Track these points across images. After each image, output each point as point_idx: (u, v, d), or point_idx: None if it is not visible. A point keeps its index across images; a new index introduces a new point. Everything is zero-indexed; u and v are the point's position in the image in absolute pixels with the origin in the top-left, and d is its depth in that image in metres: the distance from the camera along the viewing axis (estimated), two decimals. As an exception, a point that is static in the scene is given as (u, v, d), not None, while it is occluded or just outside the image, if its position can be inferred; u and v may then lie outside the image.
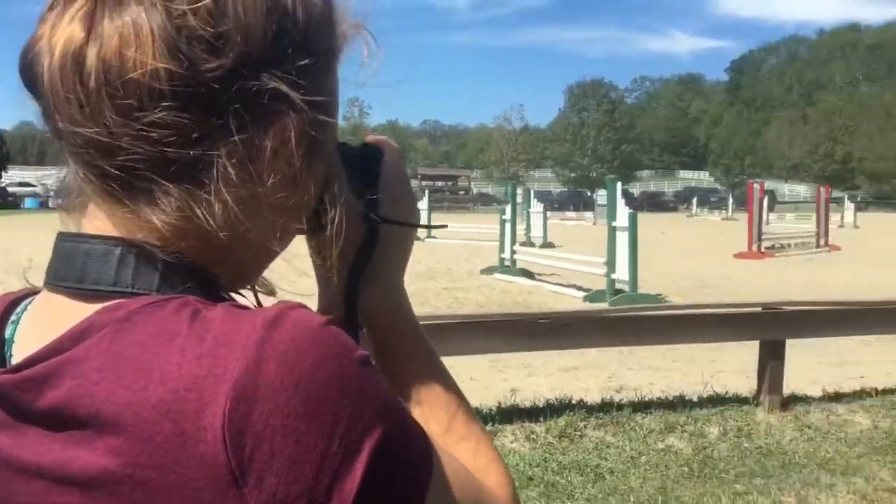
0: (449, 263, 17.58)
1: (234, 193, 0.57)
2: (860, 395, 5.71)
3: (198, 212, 0.56)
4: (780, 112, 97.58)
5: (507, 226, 16.13)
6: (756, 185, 20.68)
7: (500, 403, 5.38)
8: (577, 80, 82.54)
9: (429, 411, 0.71)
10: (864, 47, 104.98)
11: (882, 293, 11.89)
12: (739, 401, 5.49)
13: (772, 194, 35.83)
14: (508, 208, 17.01)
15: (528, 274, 14.93)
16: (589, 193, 62.24)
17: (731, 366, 7.15)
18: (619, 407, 5.26)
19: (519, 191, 23.53)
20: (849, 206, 37.55)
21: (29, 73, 0.57)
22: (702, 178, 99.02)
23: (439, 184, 66.91)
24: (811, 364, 7.10)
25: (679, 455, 4.66)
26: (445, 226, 0.94)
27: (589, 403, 5.31)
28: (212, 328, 0.50)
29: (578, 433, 4.89)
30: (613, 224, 12.15)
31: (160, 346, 0.50)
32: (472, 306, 11.26)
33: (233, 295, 0.63)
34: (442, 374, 0.75)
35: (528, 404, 5.33)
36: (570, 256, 14.62)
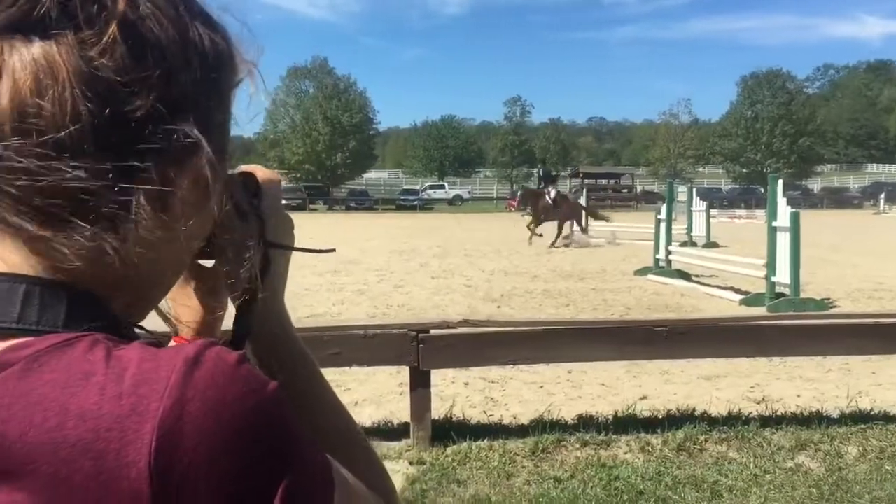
0: (604, 264, 17.19)
1: (147, 230, 0.58)
2: None
3: (111, 247, 0.57)
4: None
5: (663, 225, 15.58)
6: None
7: (616, 413, 5.22)
8: (752, 71, 78.17)
9: (323, 426, 0.74)
10: None
11: None
12: (886, 419, 5.01)
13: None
14: (664, 207, 16.42)
15: (684, 275, 14.34)
16: (762, 190, 58.86)
17: (892, 379, 6.54)
18: (746, 421, 4.95)
19: (683, 189, 22.64)
20: None
21: None
22: (893, 171, 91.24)
23: (601, 182, 65.72)
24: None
25: (809, 475, 4.31)
26: (333, 250, 0.90)
27: (712, 416, 5.03)
28: (129, 367, 0.51)
29: (698, 447, 4.65)
30: (774, 224, 11.41)
31: (76, 386, 0.50)
32: (619, 308, 10.95)
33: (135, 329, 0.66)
34: (328, 390, 0.80)
35: (646, 414, 5.13)
36: (727, 257, 13.89)
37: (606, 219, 23.49)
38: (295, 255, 0.83)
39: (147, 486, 0.48)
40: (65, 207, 0.55)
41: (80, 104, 0.54)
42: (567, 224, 22.52)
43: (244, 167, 0.80)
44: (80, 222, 0.55)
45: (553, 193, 22.64)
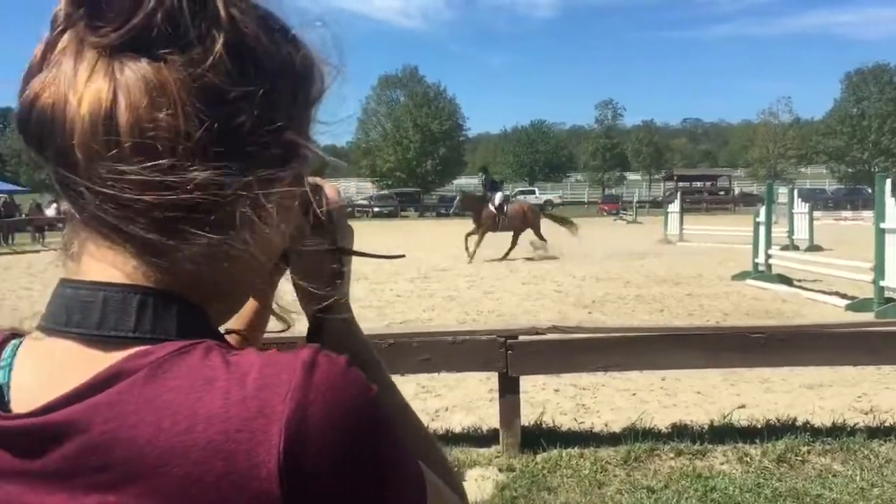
0: (700, 268, 16.70)
1: (253, 236, 0.62)
2: None
3: (226, 253, 0.61)
4: None
5: (762, 228, 15.06)
6: None
7: (712, 422, 5.08)
8: (856, 67, 74.64)
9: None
10: None
11: None
12: None
13: None
14: (763, 209, 15.86)
15: (785, 280, 13.81)
16: (869, 190, 56.13)
17: None
18: (852, 432, 4.73)
19: (784, 190, 21.71)
20: None
21: (35, 130, 0.59)
22: None
23: (697, 184, 64.17)
24: None
25: (921, 491, 4.09)
26: (403, 255, 0.91)
27: (815, 426, 4.83)
28: (250, 372, 0.54)
29: (800, 458, 4.48)
30: (882, 225, 10.89)
31: (200, 391, 0.53)
32: (716, 314, 10.64)
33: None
34: (398, 395, 0.82)
35: (744, 423, 4.97)
36: (832, 261, 13.32)
37: (573, 225, 20.54)
38: (382, 264, 0.85)
39: (277, 487, 0.51)
40: (181, 218, 0.58)
41: (191, 120, 0.57)
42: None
43: (310, 179, 0.83)
44: (191, 228, 0.59)
45: (498, 200, 20.28)
